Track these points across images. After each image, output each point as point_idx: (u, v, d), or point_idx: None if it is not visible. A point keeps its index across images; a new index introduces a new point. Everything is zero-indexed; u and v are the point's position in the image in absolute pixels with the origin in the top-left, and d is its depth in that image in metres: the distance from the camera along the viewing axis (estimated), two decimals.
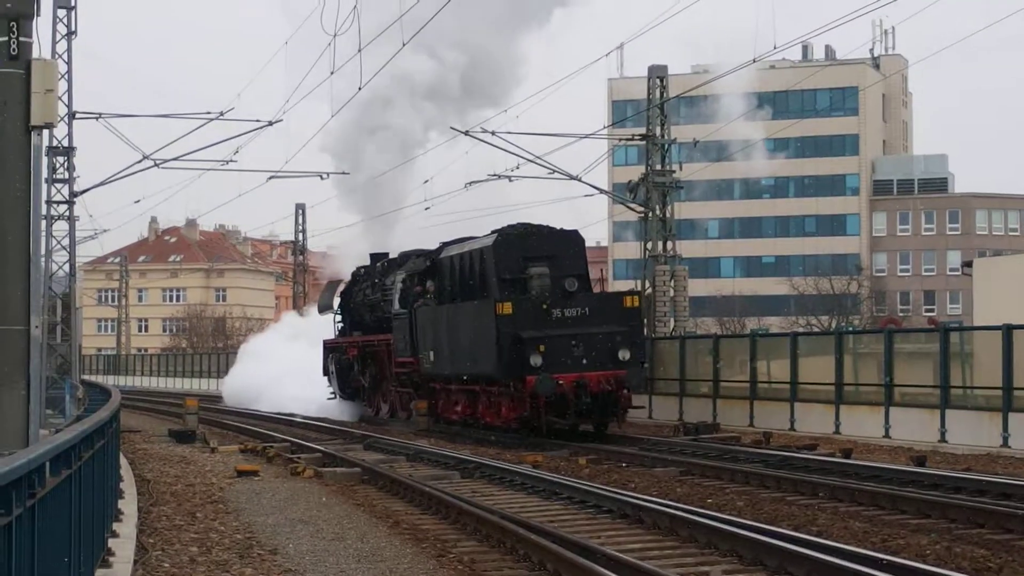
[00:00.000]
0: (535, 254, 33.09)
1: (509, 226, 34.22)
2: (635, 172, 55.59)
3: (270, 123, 45.61)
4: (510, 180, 47.68)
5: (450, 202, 53.30)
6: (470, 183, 49.96)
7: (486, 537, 16.30)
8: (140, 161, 46.09)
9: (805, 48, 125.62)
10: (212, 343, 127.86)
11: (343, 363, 45.67)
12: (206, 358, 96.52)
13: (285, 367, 54.42)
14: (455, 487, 21.90)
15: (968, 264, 59.14)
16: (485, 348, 31.92)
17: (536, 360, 30.75)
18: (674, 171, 50.27)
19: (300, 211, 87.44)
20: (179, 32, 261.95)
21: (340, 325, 47.36)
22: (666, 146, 50.95)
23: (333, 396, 47.04)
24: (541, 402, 30.58)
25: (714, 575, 13.66)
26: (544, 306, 31.57)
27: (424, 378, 37.06)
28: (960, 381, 30.20)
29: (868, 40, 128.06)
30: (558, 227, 34.40)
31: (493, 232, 34.28)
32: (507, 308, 31.23)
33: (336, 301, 48.15)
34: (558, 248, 33.44)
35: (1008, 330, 27.85)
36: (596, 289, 35.94)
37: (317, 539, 16.57)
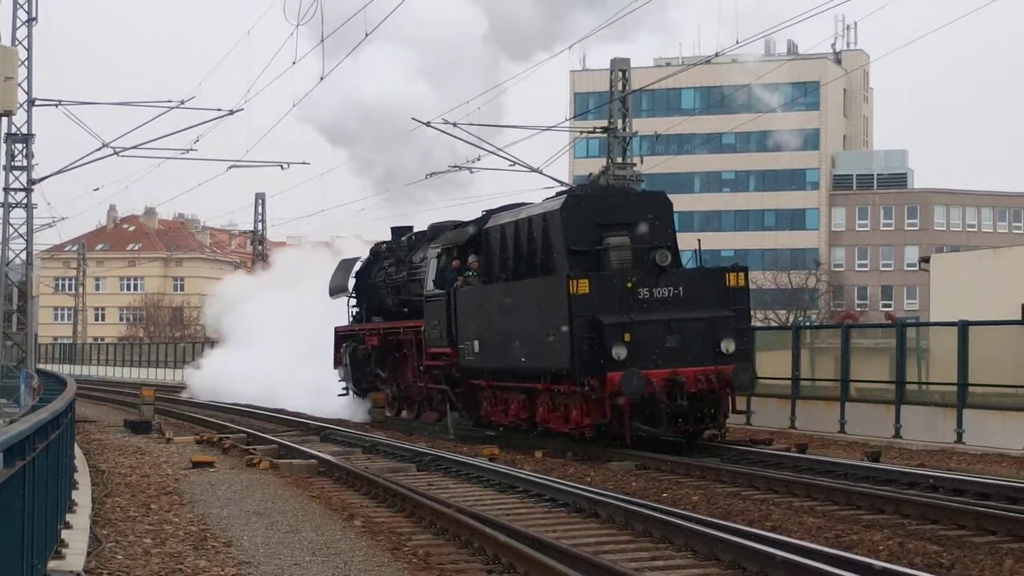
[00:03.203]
0: (613, 220, 27.17)
1: (579, 186, 28.72)
2: (596, 164, 55.67)
3: (231, 112, 45.42)
4: (471, 172, 47.56)
5: (410, 193, 53.11)
6: (430, 174, 49.79)
7: (442, 530, 16.30)
8: (99, 149, 45.84)
9: (767, 43, 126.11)
10: (170, 333, 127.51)
11: (360, 354, 39.68)
12: (163, 348, 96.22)
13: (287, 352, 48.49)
14: (412, 479, 21.90)
15: (926, 260, 59.32)
16: (552, 337, 26.18)
17: (620, 352, 25.12)
18: (635, 164, 50.36)
19: (260, 201, 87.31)
20: (141, 18, 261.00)
21: (355, 310, 41.36)
22: (627, 139, 51.03)
23: (345, 392, 41.14)
24: (625, 405, 24.97)
25: None
26: (628, 284, 25.75)
27: (464, 372, 31.16)
28: (916, 377, 30.35)
29: (830, 35, 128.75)
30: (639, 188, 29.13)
31: (559, 194, 28.74)
32: (583, 286, 25.41)
33: (351, 282, 41.77)
34: (641, 213, 27.54)
35: (964, 326, 27.99)
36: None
37: (272, 531, 16.53)
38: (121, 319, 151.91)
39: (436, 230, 35.32)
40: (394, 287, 37.77)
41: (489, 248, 30.28)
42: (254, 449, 27.24)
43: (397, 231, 40.03)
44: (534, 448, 27.14)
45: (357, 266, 41.73)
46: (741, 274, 26.94)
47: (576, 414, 26.23)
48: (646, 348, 25.39)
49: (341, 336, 41.81)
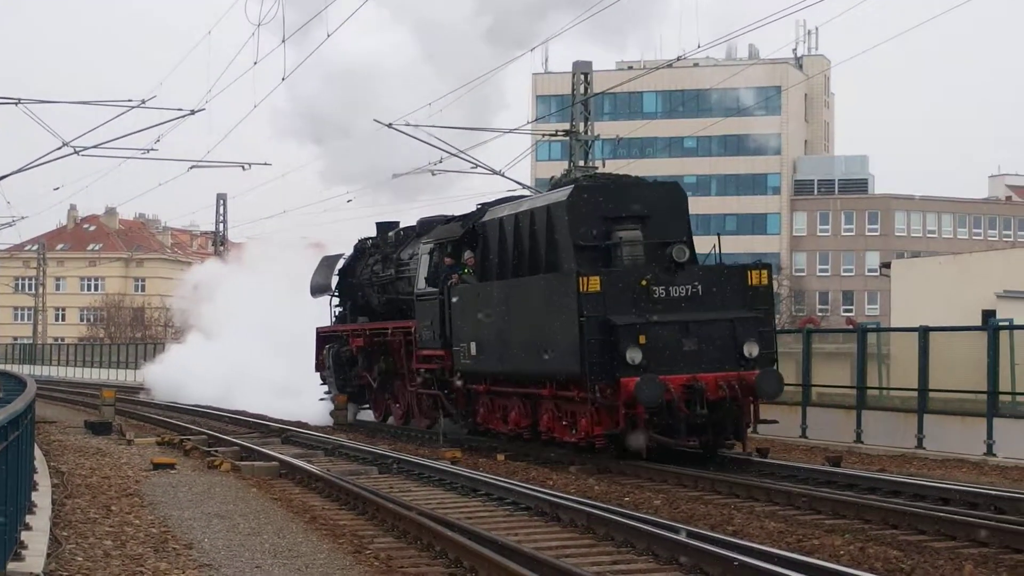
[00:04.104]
0: (623, 213, 25.11)
1: (586, 176, 26.95)
2: (558, 168, 55.69)
3: (192, 112, 45.20)
4: (432, 174, 47.39)
5: (371, 194, 52.97)
6: (394, 175, 49.67)
7: (403, 533, 16.27)
8: (60, 148, 45.50)
9: (729, 47, 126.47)
10: (130, 333, 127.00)
11: (344, 356, 37.68)
12: (124, 348, 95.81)
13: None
14: (373, 482, 21.84)
15: (886, 265, 59.72)
16: (559, 339, 24.13)
17: (634, 356, 23.08)
18: (596, 167, 50.43)
19: (221, 201, 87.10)
20: (101, 15, 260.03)
21: (338, 310, 39.42)
22: (589, 142, 51.12)
23: (328, 396, 39.27)
24: (640, 413, 23.06)
25: None
26: (643, 282, 23.67)
27: (459, 377, 29.19)
28: (877, 382, 30.44)
29: (792, 40, 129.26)
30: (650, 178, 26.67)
31: (565, 185, 26.78)
32: (594, 284, 23.34)
33: (334, 280, 39.79)
34: (653, 205, 25.44)
35: (924, 332, 28.08)
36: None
37: (233, 533, 16.48)
38: (81, 319, 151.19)
39: (426, 225, 33.53)
40: (381, 285, 35.99)
41: (486, 243, 28.23)
42: (215, 451, 27.14)
43: (383, 226, 37.87)
44: (497, 451, 27.08)
45: (340, 263, 39.85)
46: (764, 272, 24.82)
47: (585, 423, 24.20)
48: (663, 351, 23.41)
49: (323, 337, 39.93)
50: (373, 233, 38.31)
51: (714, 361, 23.62)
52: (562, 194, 25.56)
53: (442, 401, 30.75)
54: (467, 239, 29.06)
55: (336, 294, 39.66)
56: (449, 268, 29.31)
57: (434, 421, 31.77)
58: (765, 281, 24.58)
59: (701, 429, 23.72)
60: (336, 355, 38.13)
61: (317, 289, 40.89)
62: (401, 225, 37.10)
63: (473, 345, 27.87)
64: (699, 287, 23.95)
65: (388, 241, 36.39)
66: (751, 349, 23.78)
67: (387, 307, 35.39)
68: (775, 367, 24.30)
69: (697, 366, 23.47)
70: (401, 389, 34.49)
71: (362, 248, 38.54)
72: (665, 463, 23.28)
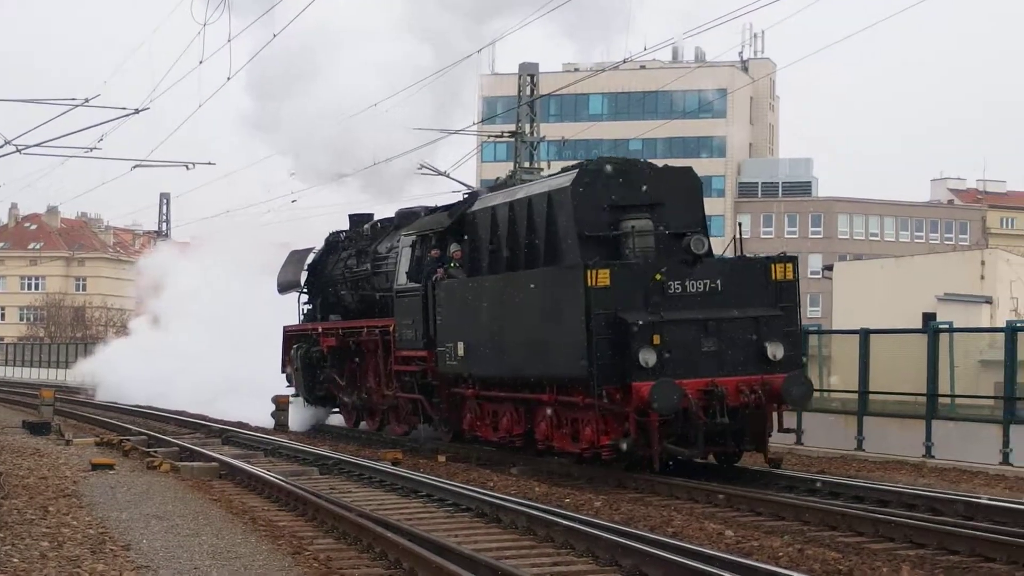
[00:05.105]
0: (632, 201, 23.00)
1: (590, 161, 24.26)
2: (504, 169, 55.72)
3: (136, 111, 44.91)
4: (376, 173, 47.10)
5: (316, 196, 52.78)
6: (340, 175, 49.31)
7: (343, 535, 16.23)
8: (1, 146, 45.22)
9: (675, 50, 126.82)
10: (71, 333, 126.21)
11: (313, 357, 35.44)
12: (64, 348, 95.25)
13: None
14: (313, 483, 21.74)
15: (829, 267, 60.11)
16: (562, 338, 22.03)
17: (648, 358, 20.96)
18: (542, 168, 50.51)
19: (164, 201, 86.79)
20: (46, 12, 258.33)
21: (307, 308, 37.31)
22: (535, 144, 51.22)
23: (295, 397, 37.01)
24: (654, 421, 21.02)
25: None
26: (657, 276, 21.56)
27: (443, 379, 27.16)
28: (818, 384, 30.56)
29: (737, 43, 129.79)
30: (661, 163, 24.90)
31: (566, 170, 24.31)
32: (603, 278, 21.16)
33: (303, 276, 37.50)
34: (665, 192, 23.41)
35: (865, 334, 28.25)
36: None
37: (172, 535, 16.38)
38: (22, 319, 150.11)
39: (405, 217, 31.65)
40: (354, 281, 33.74)
41: (476, 234, 25.90)
42: (155, 451, 26.97)
43: (356, 219, 35.94)
44: (438, 452, 27.04)
45: (310, 258, 37.55)
46: (789, 265, 22.76)
47: (590, 431, 22.08)
48: (679, 353, 21.31)
49: (291, 337, 37.59)
50: (328, 235, 37.09)
51: (735, 363, 21.64)
52: (565, 179, 23.38)
53: (424, 406, 28.66)
54: (454, 230, 26.93)
55: (305, 290, 37.55)
56: (434, 262, 27.28)
57: (412, 427, 30.29)
58: (790, 275, 22.66)
59: (720, 438, 21.98)
60: (305, 355, 35.88)
61: (285, 286, 38.47)
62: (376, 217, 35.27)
63: (460, 345, 25.76)
64: (718, 282, 22.00)
65: (363, 234, 34.42)
66: (776, 350, 21.82)
67: (361, 304, 33.39)
68: (803, 370, 22.69)
69: (717, 369, 21.47)
70: (377, 392, 31.99)
71: (334, 242, 36.47)
72: (672, 476, 21.69)
